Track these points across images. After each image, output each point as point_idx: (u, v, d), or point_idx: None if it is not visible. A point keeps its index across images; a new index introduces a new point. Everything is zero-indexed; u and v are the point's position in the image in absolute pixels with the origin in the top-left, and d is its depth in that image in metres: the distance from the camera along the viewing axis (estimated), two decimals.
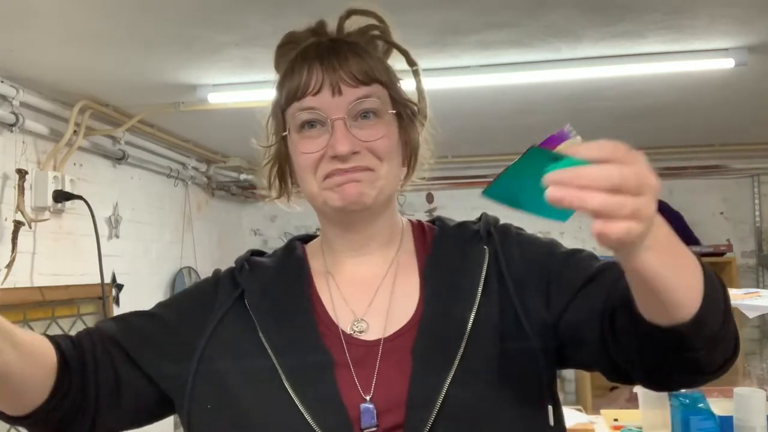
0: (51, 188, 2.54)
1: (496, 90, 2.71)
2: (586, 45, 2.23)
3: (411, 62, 0.96)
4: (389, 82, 0.91)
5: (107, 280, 2.88)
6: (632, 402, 2.56)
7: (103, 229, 2.97)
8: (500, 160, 4.13)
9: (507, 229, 0.95)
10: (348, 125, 0.86)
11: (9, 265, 2.33)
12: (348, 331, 0.87)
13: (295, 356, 0.84)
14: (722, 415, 1.21)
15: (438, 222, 1.00)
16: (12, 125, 2.39)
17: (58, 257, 2.66)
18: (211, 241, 4.11)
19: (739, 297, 1.32)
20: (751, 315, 1.25)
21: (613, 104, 3.01)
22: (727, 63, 2.31)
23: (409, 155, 0.96)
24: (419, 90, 0.97)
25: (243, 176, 4.13)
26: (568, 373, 4.22)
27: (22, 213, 2.39)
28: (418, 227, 1.00)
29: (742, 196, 4.18)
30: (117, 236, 3.09)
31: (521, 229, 0.96)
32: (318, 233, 1.01)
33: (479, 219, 0.98)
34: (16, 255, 2.35)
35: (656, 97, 2.89)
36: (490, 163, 4.02)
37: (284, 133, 0.91)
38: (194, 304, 0.94)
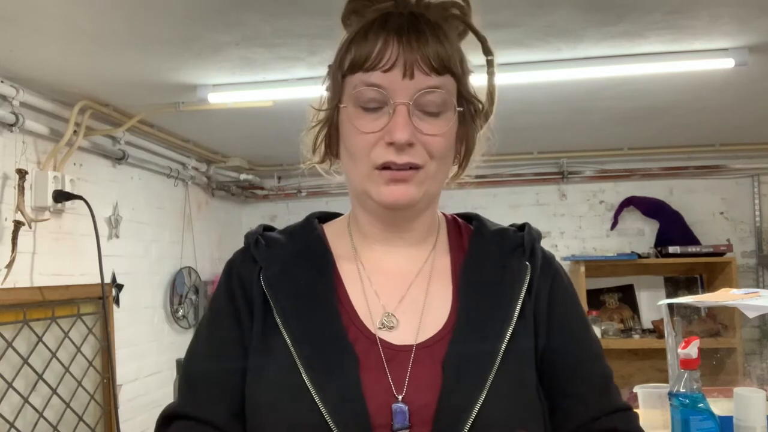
0: (51, 188, 2.54)
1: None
2: (586, 45, 2.23)
3: (487, 51, 0.89)
4: (461, 75, 0.85)
5: (107, 280, 2.88)
6: (632, 402, 2.55)
7: (103, 229, 2.97)
8: (500, 161, 4.13)
9: (558, 265, 0.92)
10: (410, 113, 0.80)
11: (9, 265, 2.33)
12: (377, 325, 0.83)
13: (316, 348, 0.79)
14: (722, 415, 1.21)
15: (476, 222, 0.95)
16: (12, 125, 2.39)
17: (58, 257, 2.66)
18: (211, 241, 4.11)
19: (739, 297, 1.31)
20: (751, 315, 1.25)
21: (613, 104, 3.01)
22: (727, 63, 2.30)
23: (463, 154, 0.91)
24: (490, 84, 0.90)
25: (243, 176, 4.13)
26: None
27: (22, 213, 2.39)
28: (453, 223, 0.96)
29: (742, 196, 4.18)
30: (117, 236, 3.09)
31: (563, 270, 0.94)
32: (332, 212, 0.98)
33: (520, 227, 0.93)
34: (16, 255, 2.35)
35: (656, 97, 2.89)
36: (489, 163, 4.00)
37: (342, 106, 0.83)
38: (229, 326, 0.87)
